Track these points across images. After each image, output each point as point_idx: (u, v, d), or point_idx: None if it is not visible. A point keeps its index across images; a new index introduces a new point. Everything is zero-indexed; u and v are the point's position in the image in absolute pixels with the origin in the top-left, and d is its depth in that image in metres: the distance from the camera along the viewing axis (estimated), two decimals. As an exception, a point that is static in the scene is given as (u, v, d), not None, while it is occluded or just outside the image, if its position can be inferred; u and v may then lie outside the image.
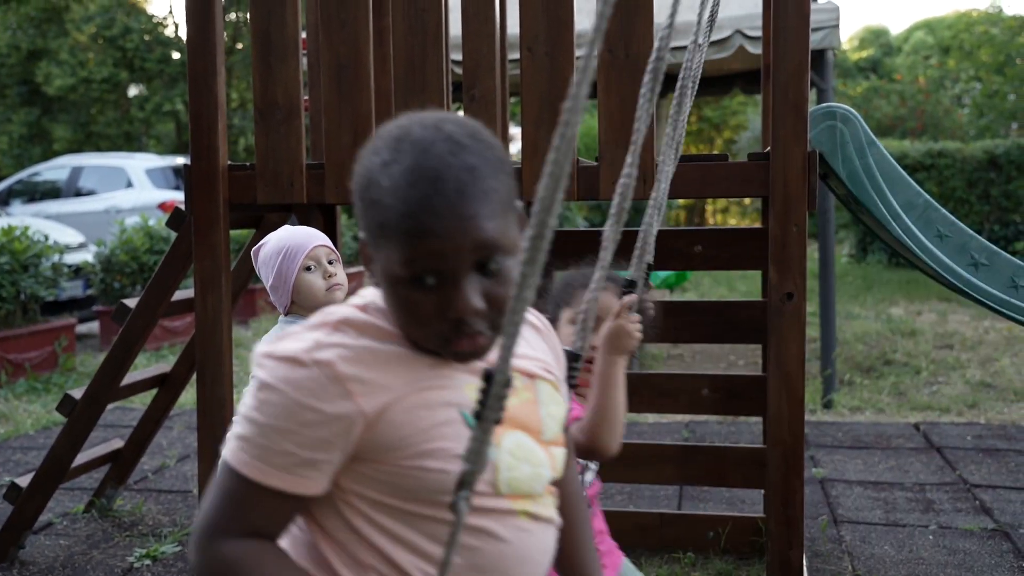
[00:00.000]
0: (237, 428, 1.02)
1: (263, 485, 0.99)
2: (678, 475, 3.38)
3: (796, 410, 2.52)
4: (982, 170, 11.32)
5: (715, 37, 5.13)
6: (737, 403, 3.16)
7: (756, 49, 5.23)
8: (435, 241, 0.97)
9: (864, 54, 35.44)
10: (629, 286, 1.79)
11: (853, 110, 2.64)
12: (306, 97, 3.04)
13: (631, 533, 3.42)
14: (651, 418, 5.30)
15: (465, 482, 0.89)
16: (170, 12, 18.14)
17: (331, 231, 3.59)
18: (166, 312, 3.05)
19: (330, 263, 2.21)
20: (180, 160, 11.76)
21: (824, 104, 2.63)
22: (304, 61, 3.02)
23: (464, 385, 1.08)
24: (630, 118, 2.59)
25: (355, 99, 2.74)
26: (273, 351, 1.02)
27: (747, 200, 22.00)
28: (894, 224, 2.59)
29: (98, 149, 17.02)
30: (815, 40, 5.39)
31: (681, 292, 10.41)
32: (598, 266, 1.38)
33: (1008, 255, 2.57)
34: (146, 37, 15.91)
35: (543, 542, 1.14)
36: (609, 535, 2.11)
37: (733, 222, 23.45)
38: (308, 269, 2.18)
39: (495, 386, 0.88)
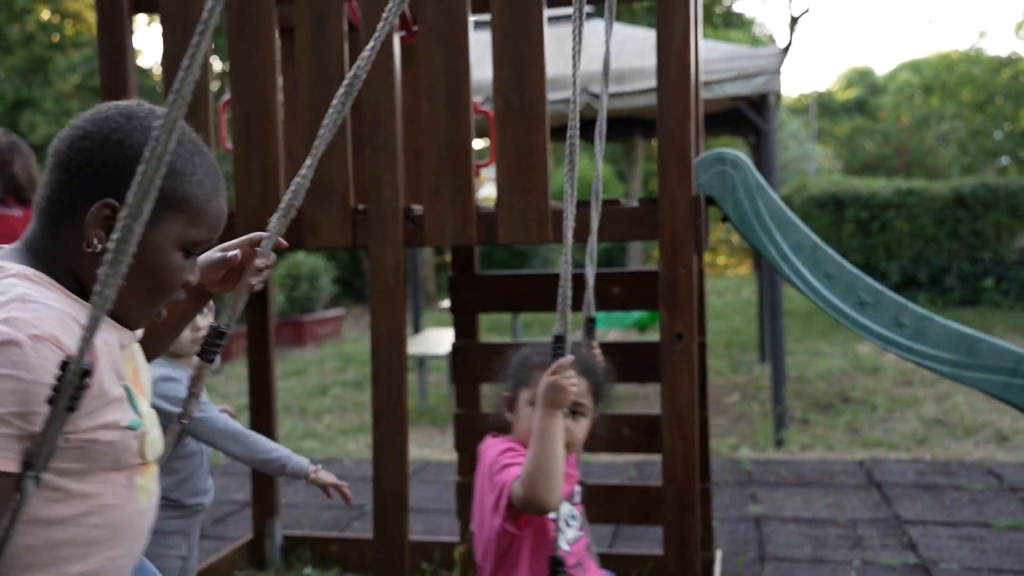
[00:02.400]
0: None
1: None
2: (601, 514, 3.42)
3: (688, 448, 2.57)
4: (950, 208, 11.43)
5: (562, 95, 5.28)
6: (657, 442, 3.20)
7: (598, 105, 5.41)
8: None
9: (850, 94, 35.86)
10: (558, 341, 1.80)
11: (743, 155, 2.72)
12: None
13: (555, 573, 3.45)
14: (604, 458, 5.33)
15: (37, 464, 1.02)
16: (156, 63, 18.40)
17: (262, 276, 3.65)
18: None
19: (201, 314, 2.27)
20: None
21: (714, 150, 2.71)
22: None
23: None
24: (526, 165, 2.68)
25: (264, 148, 2.82)
26: None
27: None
28: (783, 266, 2.65)
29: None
30: (756, 85, 5.52)
31: (654, 331, 10.47)
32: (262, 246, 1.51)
33: (893, 294, 2.63)
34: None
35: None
36: None
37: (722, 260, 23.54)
38: None
39: (70, 374, 0.97)
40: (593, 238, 2.31)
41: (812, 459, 5.18)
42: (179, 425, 1.40)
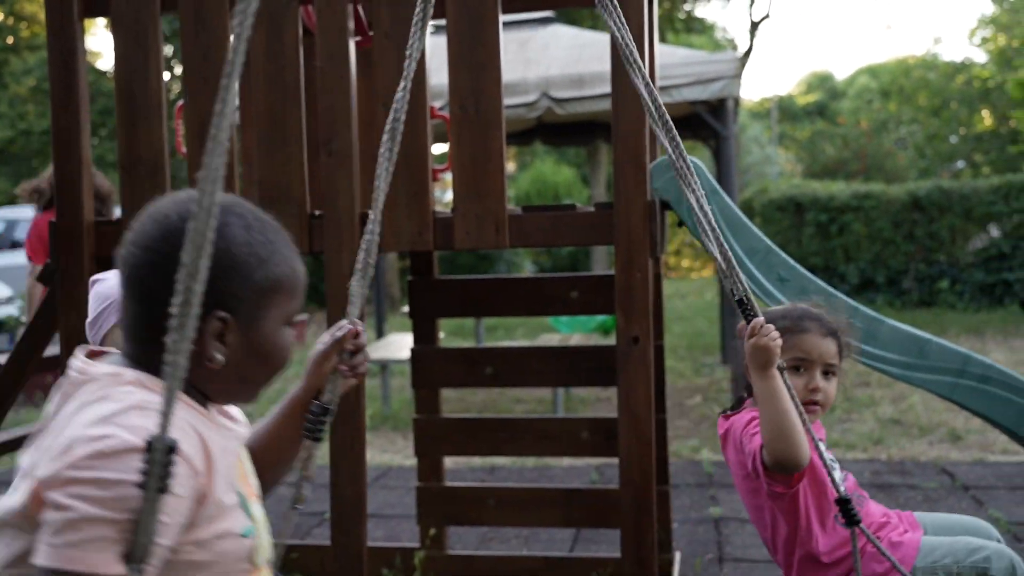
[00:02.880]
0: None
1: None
2: (560, 518, 3.43)
3: (645, 451, 2.59)
4: (906, 211, 11.62)
5: (522, 100, 5.33)
6: (615, 444, 3.22)
7: (562, 110, 5.48)
8: None
9: (811, 98, 36.33)
10: (743, 305, 1.85)
11: (697, 160, 2.75)
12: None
13: (516, 577, 3.46)
14: (566, 461, 5.34)
15: (137, 555, 0.98)
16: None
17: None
18: (36, 369, 3.06)
19: None
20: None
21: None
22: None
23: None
24: (483, 171, 2.68)
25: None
26: (102, 448, 1.04)
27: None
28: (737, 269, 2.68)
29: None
30: (715, 90, 5.58)
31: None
32: (347, 318, 1.45)
33: (844, 296, 2.67)
34: (90, 88, 15.89)
35: None
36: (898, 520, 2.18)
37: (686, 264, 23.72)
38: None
39: (156, 453, 0.95)
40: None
41: (771, 460, 5.23)
42: (294, 511, 1.38)
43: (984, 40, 23.45)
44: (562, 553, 3.81)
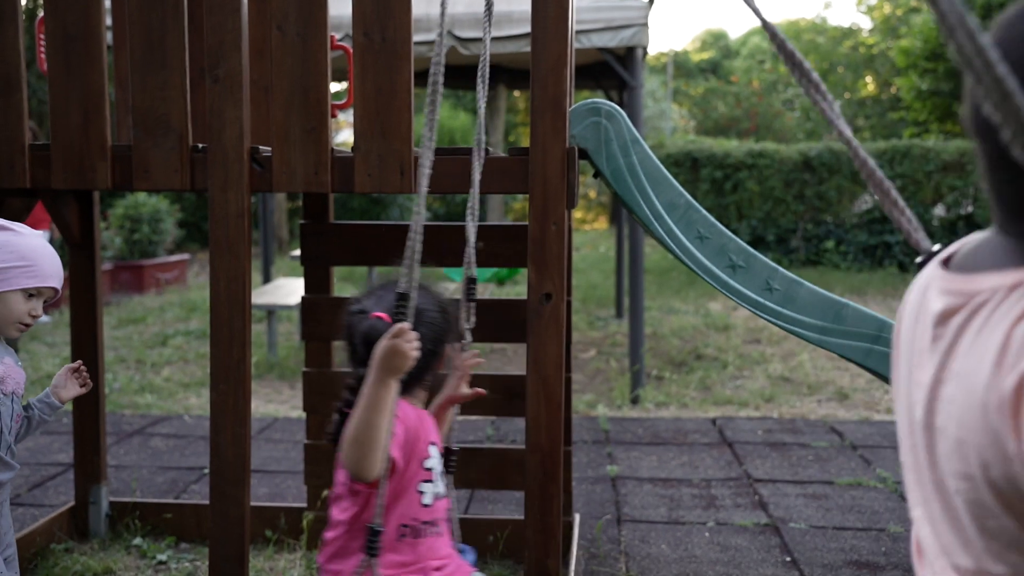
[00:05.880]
0: None
1: None
2: (457, 478, 3.28)
3: (554, 414, 2.44)
4: (798, 171, 11.84)
5: (424, 38, 5.15)
6: (519, 404, 3.07)
7: (466, 51, 5.30)
8: None
9: (706, 55, 36.74)
10: (402, 300, 1.73)
11: (617, 107, 2.58)
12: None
13: (409, 539, 3.29)
14: (459, 416, 5.19)
15: None
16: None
17: (87, 220, 3.28)
18: None
19: (44, 301, 2.07)
20: None
21: (588, 100, 2.55)
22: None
23: None
24: (388, 107, 2.45)
25: (86, 74, 2.47)
26: None
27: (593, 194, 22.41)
28: (656, 224, 2.54)
29: None
30: (624, 37, 5.42)
31: (513, 284, 10.41)
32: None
33: (764, 258, 2.58)
34: None
35: None
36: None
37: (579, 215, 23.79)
38: (29, 296, 2.03)
39: None
40: (475, 190, 2.16)
41: (667, 417, 5.22)
42: None
43: (870, 8, 24.08)
44: (457, 514, 3.66)
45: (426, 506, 1.91)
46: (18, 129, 2.50)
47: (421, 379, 1.96)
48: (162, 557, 3.18)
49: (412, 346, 1.68)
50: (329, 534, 1.94)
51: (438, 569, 1.94)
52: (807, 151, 11.87)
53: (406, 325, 1.69)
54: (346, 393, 1.90)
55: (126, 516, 3.40)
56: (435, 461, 1.97)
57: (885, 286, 10.43)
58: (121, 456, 4.38)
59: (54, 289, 2.07)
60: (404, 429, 1.87)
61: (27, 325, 2.04)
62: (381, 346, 1.68)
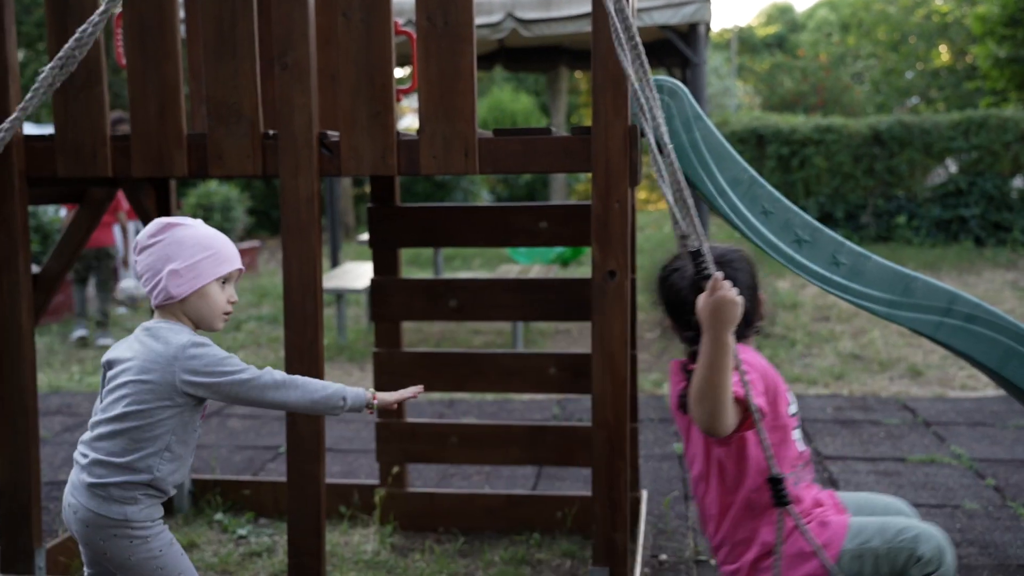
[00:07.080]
0: None
1: None
2: (525, 456, 3.33)
3: (619, 391, 2.47)
4: (867, 145, 11.57)
5: (486, 20, 5.15)
6: (585, 382, 3.10)
7: (528, 32, 5.29)
8: None
9: (771, 30, 36.03)
10: (698, 257, 1.79)
11: (680, 83, 2.58)
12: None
13: (478, 515, 3.36)
14: (526, 396, 5.25)
15: None
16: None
17: (164, 208, 3.40)
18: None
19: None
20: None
21: (651, 77, 2.55)
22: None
23: None
24: (451, 89, 2.48)
25: (162, 66, 2.56)
26: None
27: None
28: (720, 200, 2.54)
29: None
30: (686, 14, 5.37)
31: (577, 265, 10.42)
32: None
33: (831, 232, 2.55)
34: None
35: None
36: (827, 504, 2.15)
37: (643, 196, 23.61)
38: (224, 282, 1.98)
39: None
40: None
41: (733, 395, 5.19)
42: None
43: (944, -24, 23.33)
44: (525, 491, 3.72)
45: (801, 452, 2.05)
46: (100, 120, 2.60)
47: (751, 323, 2.05)
48: (242, 532, 3.30)
49: (734, 293, 1.72)
50: (714, 535, 2.11)
51: (817, 505, 2.10)
52: (877, 124, 11.59)
53: (719, 275, 1.73)
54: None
55: (207, 492, 3.53)
56: (795, 407, 2.12)
57: (961, 261, 10.16)
58: (200, 436, 4.53)
59: (240, 269, 2.02)
60: (760, 376, 1.96)
61: (228, 313, 2.01)
62: (705, 304, 1.73)
